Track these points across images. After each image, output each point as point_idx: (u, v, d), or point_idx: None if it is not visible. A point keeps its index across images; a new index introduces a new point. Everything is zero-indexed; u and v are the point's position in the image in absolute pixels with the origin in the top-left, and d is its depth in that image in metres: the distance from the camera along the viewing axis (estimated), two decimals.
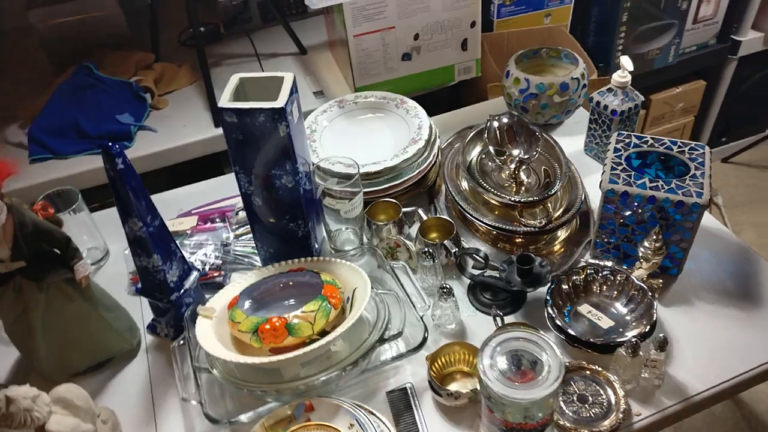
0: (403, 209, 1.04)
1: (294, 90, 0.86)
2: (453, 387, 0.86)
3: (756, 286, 0.96)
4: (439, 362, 0.86)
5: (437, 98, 1.51)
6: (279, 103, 0.82)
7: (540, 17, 1.64)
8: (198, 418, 0.84)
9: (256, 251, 1.06)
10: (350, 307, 0.87)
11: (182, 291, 0.90)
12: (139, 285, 0.91)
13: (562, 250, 1.04)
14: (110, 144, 0.74)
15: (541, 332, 0.73)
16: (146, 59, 1.58)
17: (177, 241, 0.91)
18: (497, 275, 0.95)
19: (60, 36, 1.56)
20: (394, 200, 1.05)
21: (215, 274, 1.02)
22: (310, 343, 0.81)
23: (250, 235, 1.08)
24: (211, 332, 0.85)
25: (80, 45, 1.57)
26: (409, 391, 0.86)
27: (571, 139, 1.24)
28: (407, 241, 1.00)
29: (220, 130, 1.37)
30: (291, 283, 0.92)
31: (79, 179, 1.28)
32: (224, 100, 0.83)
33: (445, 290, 0.89)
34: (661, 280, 0.94)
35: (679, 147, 0.95)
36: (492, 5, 1.56)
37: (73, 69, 1.49)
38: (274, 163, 0.87)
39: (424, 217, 1.04)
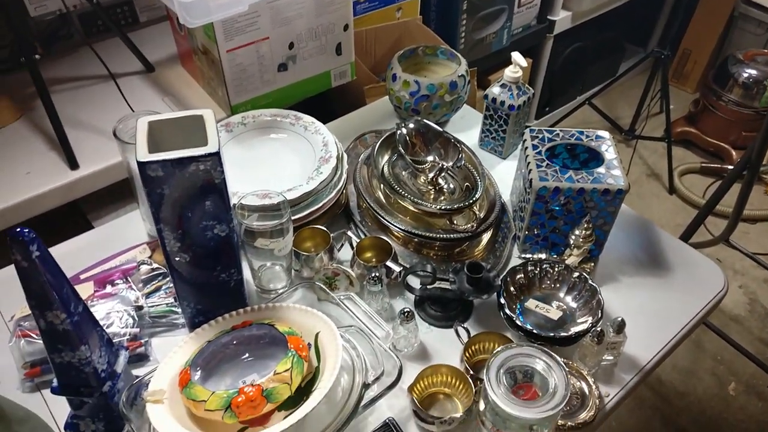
0: (332, 234, 0.98)
1: (218, 129, 0.75)
2: (437, 411, 0.83)
3: (662, 254, 1.06)
4: (418, 389, 0.83)
5: (308, 106, 1.44)
6: (212, 147, 0.71)
7: (392, 12, 1.64)
8: None
9: (173, 309, 0.93)
10: (317, 355, 0.80)
11: (115, 379, 0.76)
12: (55, 384, 0.75)
13: (484, 251, 1.05)
14: (20, 229, 0.59)
15: (537, 346, 0.74)
16: None
17: None
18: (446, 287, 0.94)
19: None
20: (320, 227, 0.99)
21: (135, 345, 0.88)
22: (288, 404, 0.73)
23: (163, 291, 0.96)
24: (169, 418, 0.72)
25: None
26: (392, 427, 0.82)
27: (462, 135, 1.26)
28: (346, 268, 0.95)
29: (79, 173, 1.18)
30: (242, 339, 0.82)
31: None
32: (142, 153, 0.70)
33: (406, 314, 0.86)
34: (592, 263, 1.00)
35: (587, 136, 1.00)
36: None
37: None
38: (207, 214, 0.76)
39: (354, 239, 0.99)
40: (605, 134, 1.01)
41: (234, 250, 0.83)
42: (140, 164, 0.70)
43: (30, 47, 1.12)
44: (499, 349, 0.72)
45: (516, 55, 1.09)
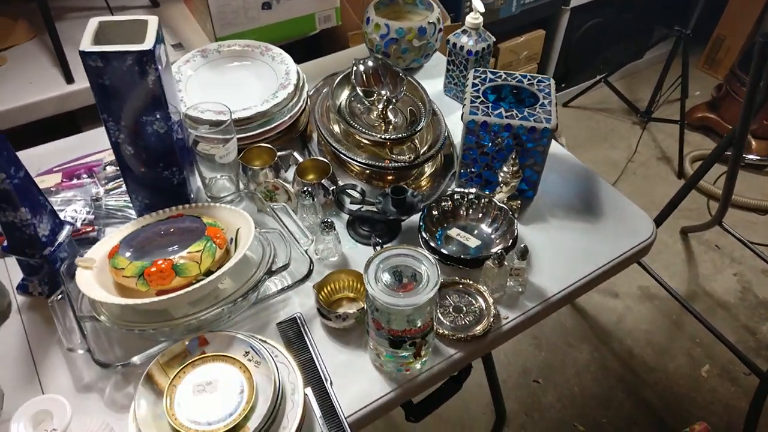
0: (278, 153, 1.06)
1: (160, 34, 0.84)
2: (342, 310, 0.91)
3: (597, 202, 1.09)
4: (326, 290, 0.91)
5: (299, 48, 1.52)
6: (147, 45, 0.80)
7: None
8: (85, 367, 0.83)
9: (129, 205, 1.03)
10: (235, 247, 0.89)
11: (55, 245, 0.87)
12: (5, 243, 0.86)
13: (429, 183, 1.11)
14: None
15: (419, 248, 0.80)
16: None
17: None
18: (374, 209, 1.01)
19: None
20: (268, 145, 1.07)
21: (88, 229, 0.99)
22: (197, 282, 0.82)
23: (122, 189, 1.06)
24: (93, 282, 0.83)
25: None
26: (298, 320, 0.90)
27: (431, 82, 1.31)
28: (285, 183, 1.03)
29: (73, 87, 1.29)
30: (172, 230, 0.91)
31: None
32: (86, 44, 0.80)
33: (326, 224, 0.93)
34: (519, 201, 1.05)
35: (529, 80, 1.05)
36: None
37: None
38: (144, 109, 0.85)
39: (300, 160, 1.07)
40: (548, 79, 1.05)
41: (173, 149, 0.92)
42: (82, 54, 0.79)
43: None
44: (379, 250, 0.78)
45: (476, 2, 1.14)
